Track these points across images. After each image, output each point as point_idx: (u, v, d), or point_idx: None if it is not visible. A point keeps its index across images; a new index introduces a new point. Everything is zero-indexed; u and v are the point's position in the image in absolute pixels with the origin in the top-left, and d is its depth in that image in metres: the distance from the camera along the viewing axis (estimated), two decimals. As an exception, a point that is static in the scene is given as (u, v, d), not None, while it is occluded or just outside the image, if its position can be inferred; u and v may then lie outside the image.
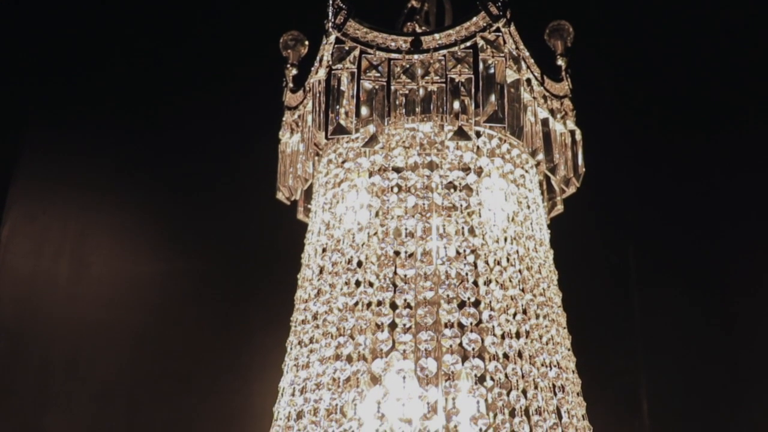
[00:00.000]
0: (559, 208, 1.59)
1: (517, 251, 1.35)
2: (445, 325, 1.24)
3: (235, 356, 2.28)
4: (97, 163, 2.44)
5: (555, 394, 1.32)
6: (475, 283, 1.29)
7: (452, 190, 1.33)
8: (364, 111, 1.34)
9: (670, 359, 2.36)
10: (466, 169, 1.37)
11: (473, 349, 1.23)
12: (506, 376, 1.25)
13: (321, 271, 1.36)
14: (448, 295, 1.26)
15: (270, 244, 2.25)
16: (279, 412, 1.35)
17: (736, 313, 2.37)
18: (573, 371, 1.40)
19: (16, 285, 2.34)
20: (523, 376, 1.28)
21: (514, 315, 1.30)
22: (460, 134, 1.34)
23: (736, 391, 2.31)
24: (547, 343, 1.34)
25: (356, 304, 1.29)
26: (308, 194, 1.58)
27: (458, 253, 1.31)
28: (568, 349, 1.42)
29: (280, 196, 1.54)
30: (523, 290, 1.34)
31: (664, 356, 2.37)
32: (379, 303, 1.26)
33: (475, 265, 1.31)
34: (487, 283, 1.30)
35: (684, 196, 2.44)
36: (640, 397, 2.38)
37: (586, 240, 2.29)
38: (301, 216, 1.59)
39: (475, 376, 1.22)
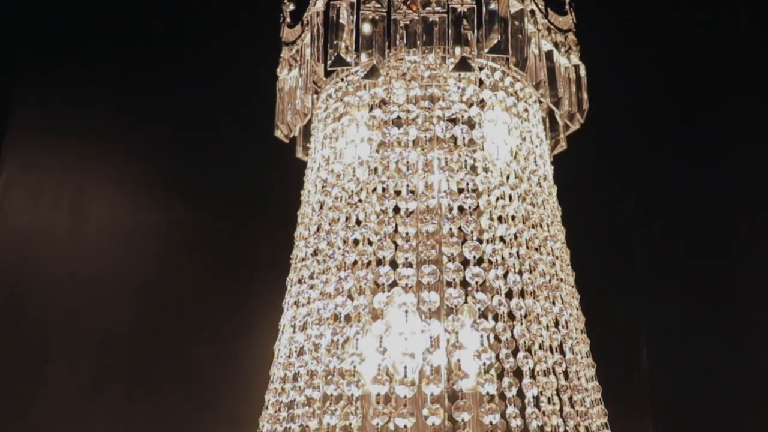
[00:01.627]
0: (563, 145, 1.56)
1: (521, 186, 1.32)
2: (448, 259, 1.22)
3: (237, 302, 2.27)
4: (94, 111, 2.41)
5: (558, 330, 1.30)
6: (478, 216, 1.26)
7: (454, 124, 1.30)
8: (364, 47, 1.30)
9: (671, 303, 2.35)
10: (469, 103, 1.34)
11: (476, 283, 1.21)
12: (510, 311, 1.23)
13: (321, 207, 1.33)
14: (450, 230, 1.23)
15: (270, 186, 2.23)
16: (279, 350, 1.33)
17: (739, 256, 2.36)
18: (577, 308, 1.39)
19: (14, 236, 2.32)
20: (526, 315, 1.26)
21: (518, 250, 1.28)
22: (463, 66, 1.30)
23: (737, 335, 2.31)
24: (550, 280, 1.32)
25: (356, 242, 1.27)
26: (307, 134, 1.55)
27: (461, 190, 1.28)
28: (572, 286, 1.40)
29: (278, 134, 1.51)
30: (526, 225, 1.31)
31: (664, 300, 2.37)
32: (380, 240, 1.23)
33: (478, 202, 1.29)
34: (490, 217, 1.27)
35: (688, 136, 2.41)
36: (639, 342, 2.37)
37: (588, 179, 2.26)
38: (300, 155, 1.56)
39: (479, 310, 1.20)
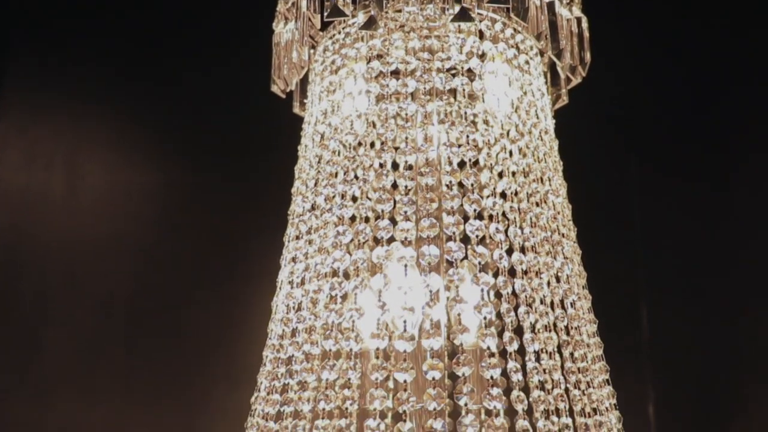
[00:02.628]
0: (564, 99, 1.53)
1: (521, 139, 1.30)
2: (447, 213, 1.19)
3: (235, 262, 2.26)
4: (87, 72, 2.38)
5: (560, 285, 1.28)
6: (478, 171, 1.24)
7: (453, 75, 1.27)
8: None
9: (671, 260, 2.34)
10: (469, 55, 1.30)
11: (477, 237, 1.18)
12: (511, 266, 1.21)
13: (318, 161, 1.31)
14: (449, 182, 1.21)
15: (266, 146, 2.21)
16: (277, 306, 1.32)
17: (741, 212, 2.34)
18: (578, 263, 1.37)
19: (9, 198, 2.31)
20: (526, 272, 1.24)
21: (519, 205, 1.26)
22: (462, 16, 1.27)
23: (738, 291, 2.30)
24: (552, 234, 1.30)
25: (354, 197, 1.24)
26: (304, 89, 1.52)
27: (460, 144, 1.26)
28: (574, 241, 1.38)
29: (275, 89, 1.48)
30: (527, 179, 1.29)
31: (665, 257, 2.36)
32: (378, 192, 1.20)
33: (478, 157, 1.26)
34: (491, 170, 1.25)
35: (691, 92, 2.38)
36: (640, 304, 2.37)
37: (590, 134, 2.24)
38: (297, 110, 1.53)
39: (479, 264, 1.17)
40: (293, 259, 1.29)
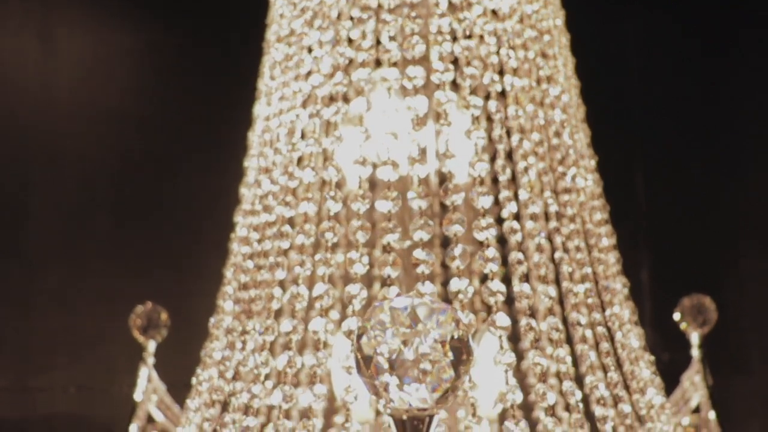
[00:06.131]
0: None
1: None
2: (435, 33, 1.09)
3: (225, 125, 2.17)
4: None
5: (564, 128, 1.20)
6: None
7: None
8: None
9: (667, 129, 2.28)
10: None
11: (466, 57, 1.09)
12: (506, 116, 1.12)
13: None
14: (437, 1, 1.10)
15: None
16: (253, 141, 1.24)
17: (741, 75, 2.25)
18: (577, 95, 1.28)
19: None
20: (524, 134, 1.15)
21: (512, 47, 1.15)
22: None
23: (732, 159, 2.25)
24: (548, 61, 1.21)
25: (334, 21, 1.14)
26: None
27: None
28: (572, 73, 1.29)
29: None
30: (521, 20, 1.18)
31: (662, 125, 2.30)
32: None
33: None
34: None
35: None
36: (635, 173, 2.31)
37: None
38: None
39: (469, 87, 1.08)
40: (269, 91, 1.20)
